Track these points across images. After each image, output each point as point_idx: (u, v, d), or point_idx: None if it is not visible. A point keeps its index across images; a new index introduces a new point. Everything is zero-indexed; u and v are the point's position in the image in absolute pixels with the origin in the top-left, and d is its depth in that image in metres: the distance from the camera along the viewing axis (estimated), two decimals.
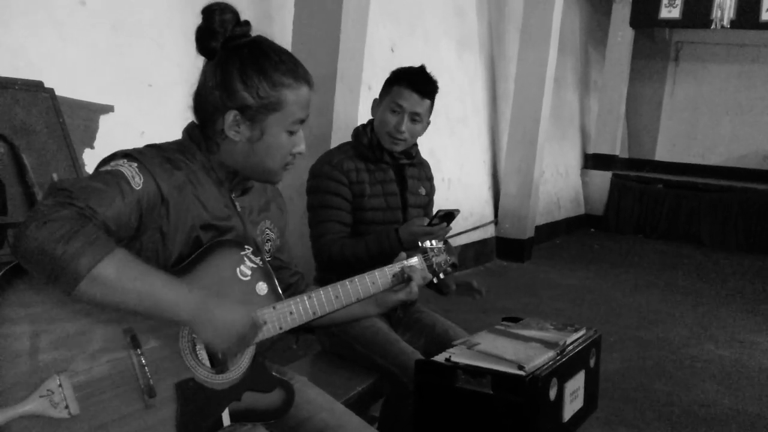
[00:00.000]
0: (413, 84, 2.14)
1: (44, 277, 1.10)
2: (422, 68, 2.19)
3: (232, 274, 1.34)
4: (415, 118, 2.16)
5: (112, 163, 1.25)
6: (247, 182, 1.45)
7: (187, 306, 1.19)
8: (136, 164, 1.25)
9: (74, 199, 1.14)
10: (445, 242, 1.75)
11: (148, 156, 1.28)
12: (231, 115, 1.33)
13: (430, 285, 1.73)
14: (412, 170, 2.30)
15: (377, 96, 2.24)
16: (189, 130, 1.40)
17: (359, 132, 2.23)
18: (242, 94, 1.32)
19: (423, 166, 2.38)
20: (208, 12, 1.33)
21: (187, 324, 1.22)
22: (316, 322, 1.52)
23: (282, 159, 1.39)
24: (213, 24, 1.32)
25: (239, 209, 1.43)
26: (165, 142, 1.39)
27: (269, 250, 1.53)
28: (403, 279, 1.58)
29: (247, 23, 1.36)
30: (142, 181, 1.23)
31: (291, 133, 1.38)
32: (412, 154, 2.27)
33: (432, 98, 2.20)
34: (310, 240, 2.18)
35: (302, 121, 1.39)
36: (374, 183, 2.18)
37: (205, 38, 1.33)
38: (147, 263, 1.19)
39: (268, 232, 1.52)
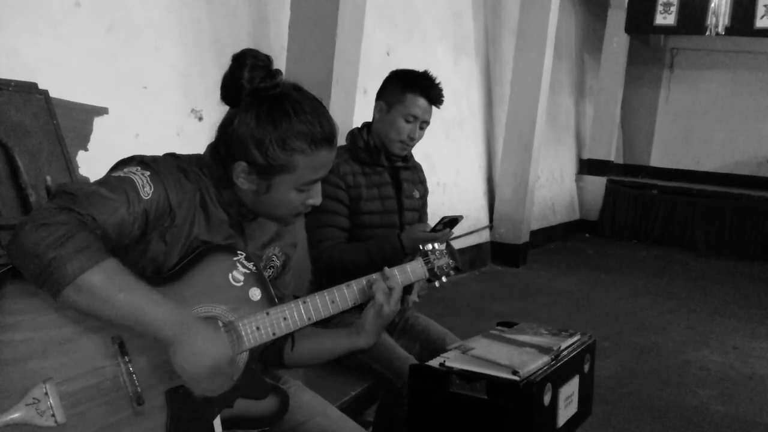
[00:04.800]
0: (427, 93, 2.14)
1: (32, 278, 1.09)
2: (428, 74, 2.18)
3: (224, 279, 1.32)
4: (423, 125, 2.18)
5: (126, 169, 1.24)
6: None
7: (170, 322, 1.14)
8: (149, 173, 1.24)
9: (77, 204, 1.13)
10: (448, 245, 1.72)
11: (162, 165, 1.27)
12: (240, 166, 1.31)
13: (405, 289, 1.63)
14: (406, 173, 2.31)
15: (375, 98, 2.22)
16: (212, 148, 1.38)
17: (355, 135, 2.23)
18: (253, 152, 1.29)
19: (417, 170, 2.39)
20: (238, 62, 1.28)
21: (165, 342, 1.15)
22: (297, 361, 1.53)
23: (290, 211, 1.38)
24: (241, 79, 1.27)
25: (245, 231, 1.41)
26: (187, 153, 1.37)
27: (269, 276, 1.48)
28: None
29: (278, 73, 1.31)
30: (152, 190, 1.22)
31: (301, 191, 1.35)
32: (407, 157, 2.28)
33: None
34: (308, 244, 2.17)
35: (316, 181, 1.36)
36: (370, 186, 2.18)
37: (231, 90, 1.29)
38: (138, 275, 1.16)
39: (274, 258, 1.49)
